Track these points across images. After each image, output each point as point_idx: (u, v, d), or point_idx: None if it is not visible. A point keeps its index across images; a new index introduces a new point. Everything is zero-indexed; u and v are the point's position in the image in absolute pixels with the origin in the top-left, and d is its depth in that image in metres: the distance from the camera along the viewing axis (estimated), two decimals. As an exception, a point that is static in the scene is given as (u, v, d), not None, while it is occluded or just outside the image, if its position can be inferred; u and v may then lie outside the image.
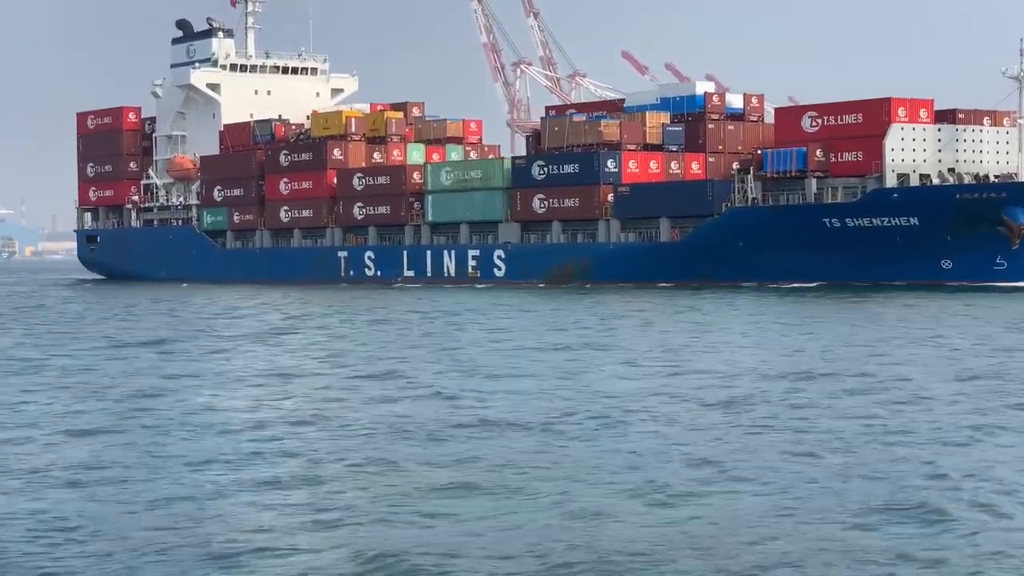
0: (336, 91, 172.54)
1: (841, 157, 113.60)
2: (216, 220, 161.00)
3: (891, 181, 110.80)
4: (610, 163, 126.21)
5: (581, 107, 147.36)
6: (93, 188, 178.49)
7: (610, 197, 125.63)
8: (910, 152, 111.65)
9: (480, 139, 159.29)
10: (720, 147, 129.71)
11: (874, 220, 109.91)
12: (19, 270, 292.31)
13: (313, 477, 29.41)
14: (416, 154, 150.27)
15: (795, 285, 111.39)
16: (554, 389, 44.01)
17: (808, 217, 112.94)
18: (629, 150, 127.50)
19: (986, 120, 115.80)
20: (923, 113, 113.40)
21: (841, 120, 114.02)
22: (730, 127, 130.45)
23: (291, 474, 29.78)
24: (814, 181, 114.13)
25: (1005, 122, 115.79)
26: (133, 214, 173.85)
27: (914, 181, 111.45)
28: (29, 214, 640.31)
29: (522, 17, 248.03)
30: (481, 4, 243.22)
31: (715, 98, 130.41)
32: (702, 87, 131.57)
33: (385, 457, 31.50)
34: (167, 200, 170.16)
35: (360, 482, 28.73)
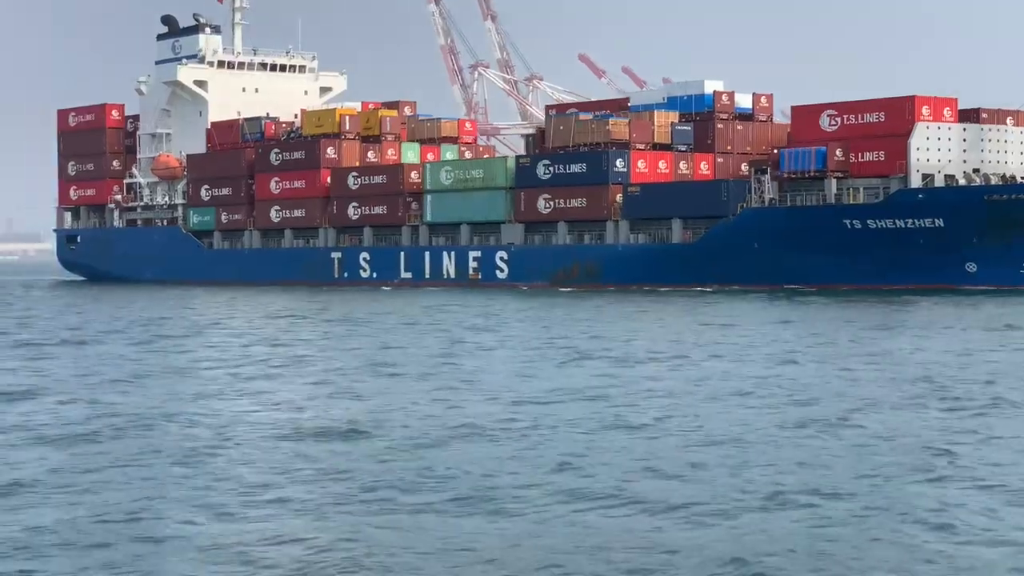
0: (325, 89, 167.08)
1: (861, 157, 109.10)
2: (203, 220, 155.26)
3: (916, 182, 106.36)
4: (619, 162, 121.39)
5: (583, 106, 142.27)
6: (74, 187, 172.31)
7: (619, 197, 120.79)
8: (935, 152, 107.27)
9: (475, 139, 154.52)
10: (729, 147, 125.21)
11: (897, 222, 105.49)
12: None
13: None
14: (411, 153, 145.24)
15: (813, 288, 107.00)
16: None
17: (828, 219, 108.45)
18: (638, 149, 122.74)
19: (1009, 120, 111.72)
20: (947, 112, 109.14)
21: (862, 119, 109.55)
22: (739, 127, 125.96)
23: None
24: (834, 182, 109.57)
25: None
26: (116, 214, 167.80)
27: (939, 182, 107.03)
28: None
29: (479, 20, 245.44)
30: (439, 7, 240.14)
31: (724, 97, 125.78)
32: (711, 86, 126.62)
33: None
34: (151, 200, 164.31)
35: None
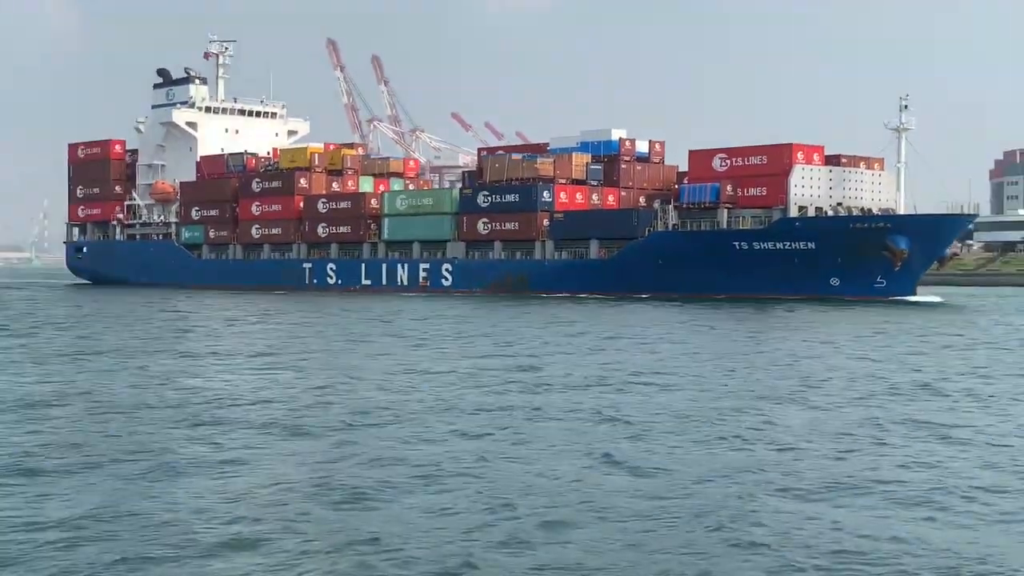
0: (291, 132, 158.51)
1: (747, 192, 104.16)
2: (193, 235, 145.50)
3: (793, 212, 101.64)
4: (546, 194, 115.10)
5: (509, 148, 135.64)
6: (82, 207, 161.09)
7: (546, 222, 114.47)
8: (808, 189, 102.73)
9: (416, 174, 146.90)
10: (630, 183, 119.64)
11: (777, 244, 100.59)
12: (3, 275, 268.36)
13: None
14: (366, 184, 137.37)
15: (706, 297, 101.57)
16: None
17: (721, 241, 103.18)
18: (560, 183, 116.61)
19: (862, 164, 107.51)
20: (816, 157, 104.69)
21: (748, 161, 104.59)
22: (638, 167, 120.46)
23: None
24: (726, 211, 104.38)
25: (876, 166, 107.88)
26: (118, 229, 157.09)
27: (811, 213, 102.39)
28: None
29: (375, 83, 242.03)
30: (343, 73, 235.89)
31: (627, 143, 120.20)
32: (616, 133, 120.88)
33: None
34: (149, 218, 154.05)
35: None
